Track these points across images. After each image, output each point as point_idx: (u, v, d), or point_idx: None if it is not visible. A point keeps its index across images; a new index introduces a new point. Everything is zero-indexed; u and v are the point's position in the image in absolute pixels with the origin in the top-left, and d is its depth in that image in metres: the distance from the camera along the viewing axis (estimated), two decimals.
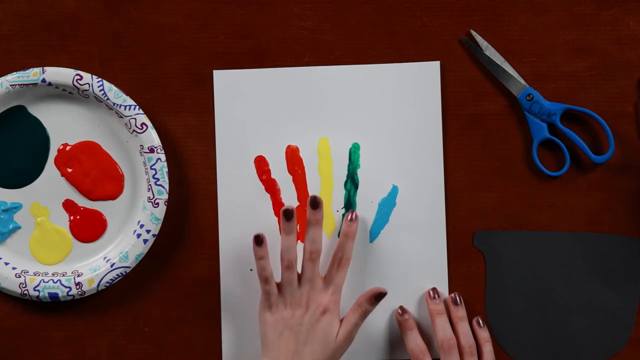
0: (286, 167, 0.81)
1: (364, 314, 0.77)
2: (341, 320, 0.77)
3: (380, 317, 0.80)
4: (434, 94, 0.80)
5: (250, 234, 0.80)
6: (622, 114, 0.81)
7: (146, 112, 0.80)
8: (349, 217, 0.78)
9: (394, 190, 0.80)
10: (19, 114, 0.79)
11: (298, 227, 0.80)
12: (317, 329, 0.75)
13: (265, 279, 0.75)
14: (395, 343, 0.80)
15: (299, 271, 0.77)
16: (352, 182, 0.80)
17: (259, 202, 0.80)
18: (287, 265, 0.76)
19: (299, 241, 0.80)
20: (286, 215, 0.76)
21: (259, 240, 0.75)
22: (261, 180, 0.81)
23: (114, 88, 0.78)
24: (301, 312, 0.75)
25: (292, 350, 0.75)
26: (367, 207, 0.80)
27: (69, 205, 0.80)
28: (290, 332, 0.75)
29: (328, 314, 0.76)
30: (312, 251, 0.76)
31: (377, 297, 0.76)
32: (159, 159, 0.78)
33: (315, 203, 0.76)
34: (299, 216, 0.80)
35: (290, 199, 0.80)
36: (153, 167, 0.78)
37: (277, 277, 0.78)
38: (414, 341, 0.78)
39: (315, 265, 0.76)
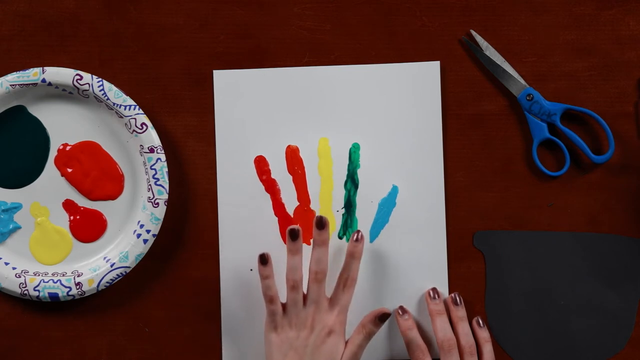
0: (286, 167, 0.81)
1: (369, 335, 0.76)
2: (346, 342, 0.77)
3: None
4: (434, 94, 0.80)
5: (250, 234, 0.80)
6: (622, 114, 0.81)
7: (146, 112, 0.80)
8: (355, 238, 0.77)
9: (394, 190, 0.80)
10: (19, 114, 0.79)
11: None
12: (322, 350, 0.75)
13: (270, 299, 0.75)
14: (395, 343, 0.80)
15: (305, 291, 0.77)
16: (352, 182, 0.80)
17: (259, 202, 0.80)
18: (293, 285, 0.75)
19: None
20: (292, 235, 0.75)
21: (264, 259, 0.75)
22: (261, 180, 0.81)
23: (114, 88, 0.78)
24: (306, 333, 0.75)
25: None
26: (367, 207, 0.80)
27: (69, 205, 0.80)
28: (295, 353, 0.75)
29: (334, 335, 0.76)
30: (318, 272, 0.75)
31: (382, 317, 0.76)
32: (159, 159, 0.78)
33: (321, 224, 0.76)
34: (300, 215, 0.80)
35: (290, 199, 0.80)
36: (153, 167, 0.78)
37: (283, 297, 0.78)
38: (414, 341, 0.78)
39: (321, 286, 0.76)
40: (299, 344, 0.75)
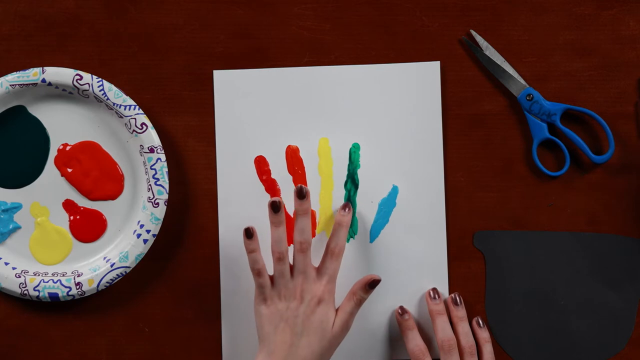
0: (286, 167, 0.81)
1: (359, 302, 0.77)
2: (337, 310, 0.77)
3: (380, 317, 0.80)
4: (434, 94, 0.80)
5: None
6: (622, 114, 0.81)
7: (146, 112, 0.80)
8: (344, 208, 0.78)
9: (394, 190, 0.80)
10: (19, 114, 0.79)
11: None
12: (313, 319, 0.75)
13: (258, 272, 0.75)
14: (395, 343, 0.80)
15: (292, 263, 0.77)
16: (352, 182, 0.80)
17: (259, 202, 0.80)
18: (279, 257, 0.75)
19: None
20: (274, 208, 0.75)
21: (249, 233, 0.75)
22: (261, 180, 0.81)
23: (114, 88, 0.78)
24: (296, 303, 0.75)
25: (288, 342, 0.75)
26: (367, 207, 0.80)
27: (69, 205, 0.80)
28: (286, 324, 0.75)
29: (323, 304, 0.76)
30: (302, 242, 0.76)
31: (371, 284, 0.76)
32: (159, 159, 0.78)
33: (302, 193, 0.76)
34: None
35: (290, 199, 0.80)
36: (153, 167, 0.78)
37: (271, 270, 0.78)
38: (414, 341, 0.78)
39: (307, 256, 0.76)
40: (290, 314, 0.75)
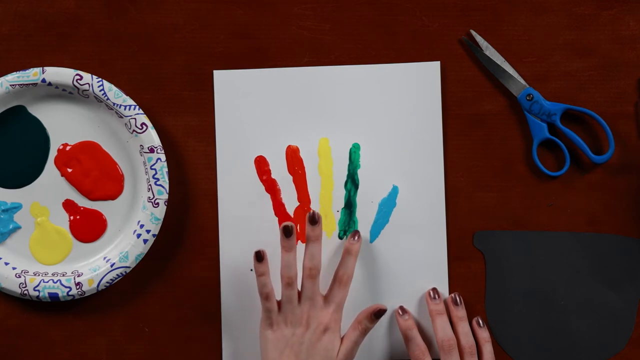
0: (286, 167, 0.81)
1: (364, 332, 0.76)
2: (342, 338, 0.77)
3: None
4: (434, 94, 0.80)
5: (250, 234, 0.80)
6: (622, 114, 0.81)
7: (146, 112, 0.80)
8: (353, 236, 0.78)
9: (394, 191, 0.80)
10: (19, 114, 0.79)
11: (298, 228, 0.80)
12: (318, 347, 0.75)
13: (266, 296, 0.75)
14: (395, 343, 0.80)
15: (300, 288, 0.77)
16: (352, 182, 0.80)
17: (259, 202, 0.80)
18: (287, 282, 0.75)
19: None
20: (286, 232, 0.75)
21: (259, 256, 0.75)
22: (261, 180, 0.81)
23: (114, 88, 0.78)
24: (302, 330, 0.75)
25: None
26: (367, 207, 0.80)
27: (69, 205, 0.80)
28: (291, 350, 0.75)
29: (329, 332, 0.75)
30: (312, 268, 0.75)
31: (377, 314, 0.76)
32: (159, 159, 0.78)
33: (314, 219, 0.76)
34: (300, 216, 0.80)
35: (290, 199, 0.80)
36: (153, 167, 0.78)
37: (278, 294, 0.78)
38: (414, 341, 0.78)
39: (315, 283, 0.75)
40: (295, 341, 0.75)
